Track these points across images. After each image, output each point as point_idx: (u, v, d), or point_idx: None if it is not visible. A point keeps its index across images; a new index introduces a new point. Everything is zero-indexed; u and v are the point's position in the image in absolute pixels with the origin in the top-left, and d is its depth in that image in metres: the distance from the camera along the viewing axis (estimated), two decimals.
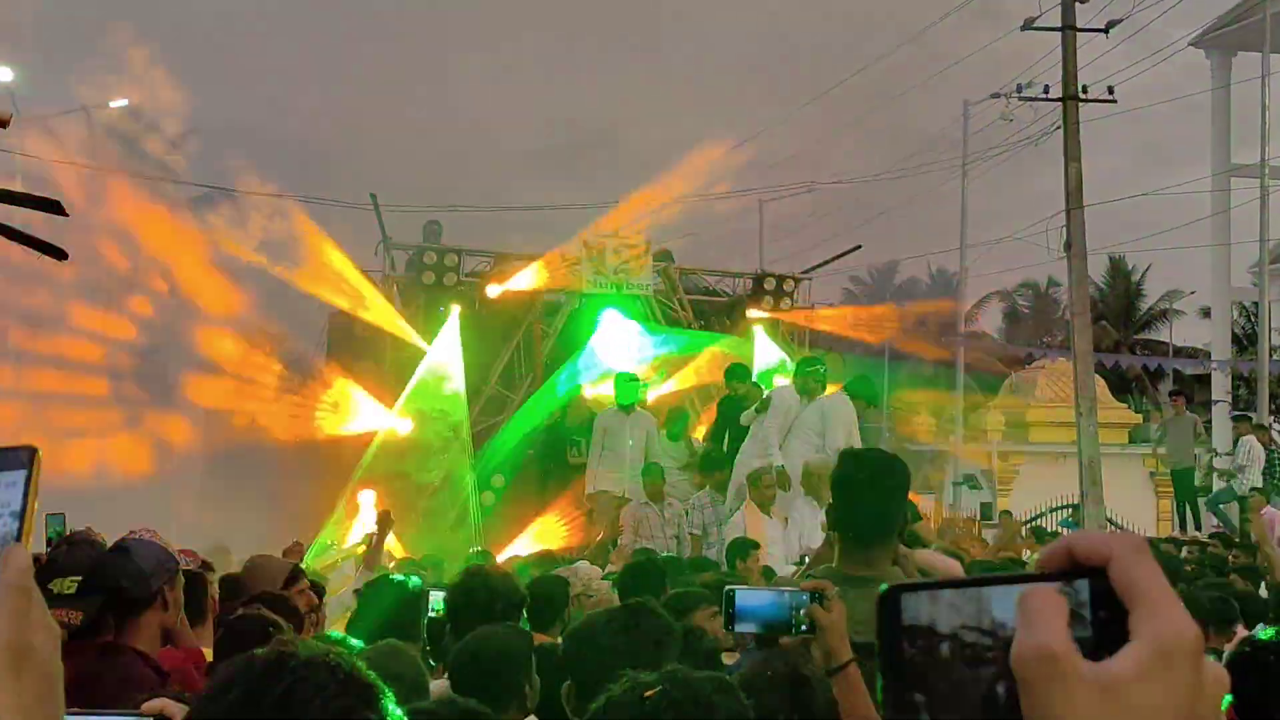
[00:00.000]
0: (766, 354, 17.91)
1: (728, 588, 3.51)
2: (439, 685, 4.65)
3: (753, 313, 18.50)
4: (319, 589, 8.13)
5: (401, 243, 18.25)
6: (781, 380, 15.73)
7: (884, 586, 1.02)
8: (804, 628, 3.43)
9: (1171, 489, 24.03)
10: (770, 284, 18.93)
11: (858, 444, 13.09)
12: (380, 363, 17.30)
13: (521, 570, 9.55)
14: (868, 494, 4.45)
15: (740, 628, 3.48)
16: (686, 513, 13.72)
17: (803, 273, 19.99)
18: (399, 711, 1.64)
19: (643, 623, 3.71)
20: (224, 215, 18.36)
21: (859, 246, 22.64)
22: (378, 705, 1.60)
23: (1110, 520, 21.36)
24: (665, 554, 11.72)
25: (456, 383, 16.55)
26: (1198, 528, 21.23)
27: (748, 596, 3.46)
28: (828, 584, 3.52)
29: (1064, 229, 22.09)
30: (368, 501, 15.26)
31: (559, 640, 6.14)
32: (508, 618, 5.30)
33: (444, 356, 16.62)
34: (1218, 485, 21.55)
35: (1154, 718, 0.91)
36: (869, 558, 4.37)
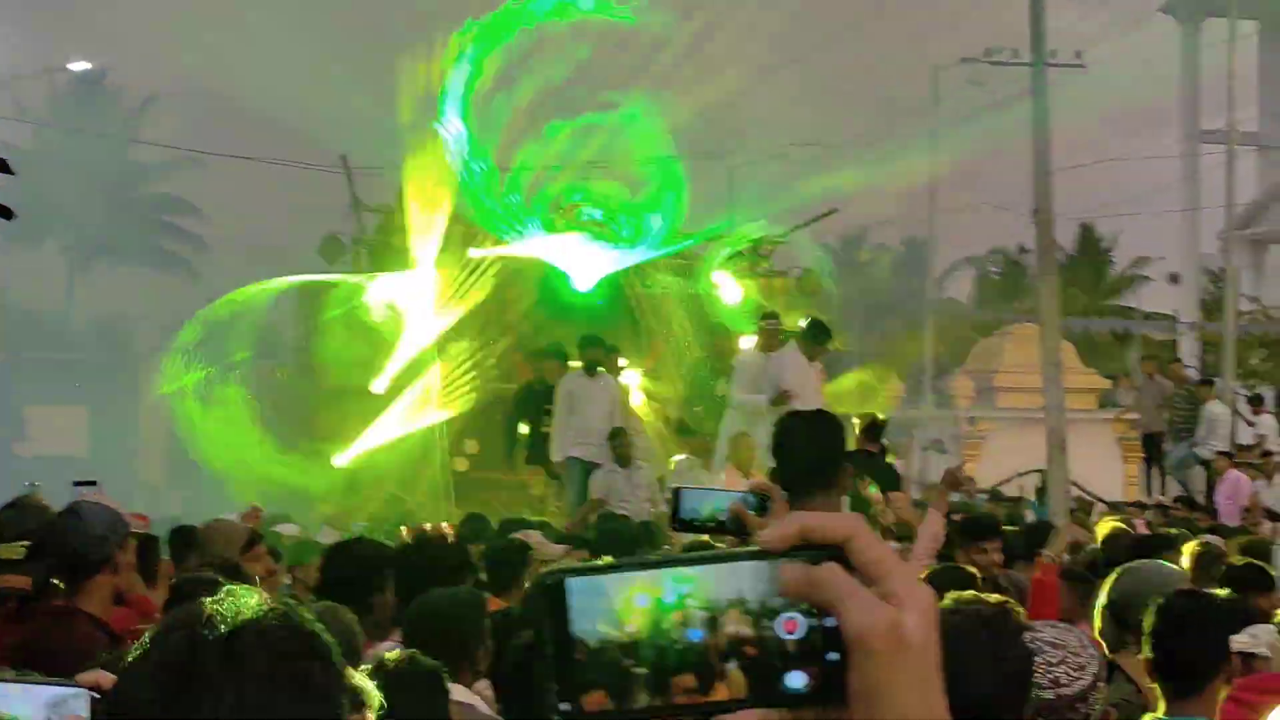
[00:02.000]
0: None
1: (673, 486, 3.55)
2: (386, 646, 4.64)
3: (722, 274, 18.40)
4: (277, 554, 8.12)
5: (372, 204, 18.11)
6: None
7: (544, 575, 0.99)
8: (743, 529, 3.43)
9: (1139, 453, 24.16)
10: (745, 245, 18.83)
11: (811, 392, 13.11)
12: (349, 327, 17.16)
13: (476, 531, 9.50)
14: (805, 450, 4.50)
15: (684, 523, 3.51)
16: (663, 478, 13.74)
17: (777, 236, 19.92)
18: (343, 661, 1.61)
19: None
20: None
21: (834, 210, 22.58)
22: (324, 654, 1.56)
23: (1076, 484, 21.41)
24: (642, 519, 11.67)
25: (416, 341, 16.44)
26: (1163, 491, 21.36)
27: (693, 496, 3.49)
28: (773, 486, 3.53)
29: (1033, 194, 22.10)
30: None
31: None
32: (458, 580, 5.29)
33: (404, 314, 16.53)
34: (1181, 451, 21.65)
35: (933, 670, 0.97)
36: (810, 510, 4.36)
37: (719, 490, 3.59)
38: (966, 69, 30.58)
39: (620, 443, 13.94)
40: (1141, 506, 16.92)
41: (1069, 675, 3.15)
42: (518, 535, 7.86)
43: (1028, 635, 3.18)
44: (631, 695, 0.97)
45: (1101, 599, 5.23)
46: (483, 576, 6.60)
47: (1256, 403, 21.29)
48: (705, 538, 4.55)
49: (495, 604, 5.54)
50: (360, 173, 18.51)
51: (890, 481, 11.70)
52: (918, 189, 34.03)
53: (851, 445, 11.69)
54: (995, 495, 20.45)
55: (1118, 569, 5.49)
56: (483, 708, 4.21)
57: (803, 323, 14.66)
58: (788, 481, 4.48)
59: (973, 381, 30.05)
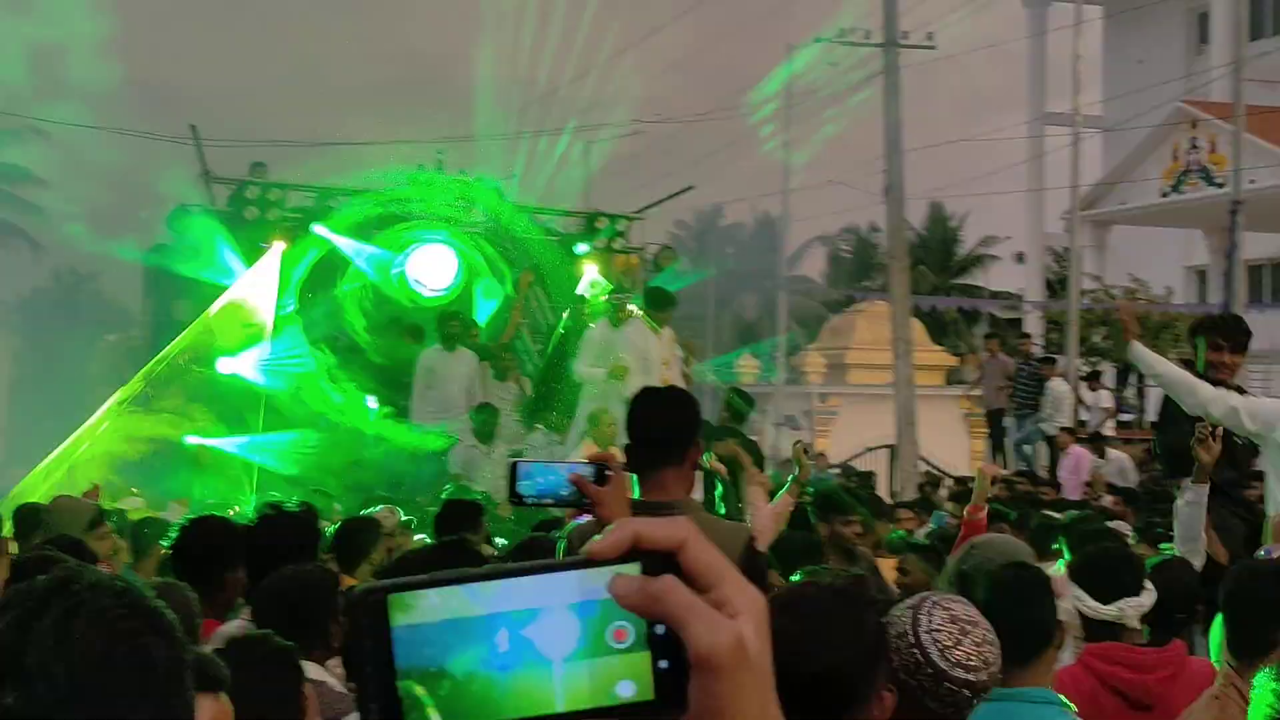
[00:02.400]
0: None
1: (511, 460, 3.55)
2: (235, 625, 4.57)
3: (582, 248, 18.37)
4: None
5: (224, 176, 17.78)
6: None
7: (363, 590, 0.97)
8: (583, 500, 3.47)
9: (984, 429, 24.64)
10: (603, 223, 18.82)
11: (657, 364, 13.17)
12: (200, 301, 16.82)
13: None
14: (655, 426, 4.55)
15: (521, 497, 3.50)
16: (522, 453, 13.70)
17: (634, 213, 19.92)
18: (185, 638, 1.57)
19: (460, 559, 3.67)
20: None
21: (691, 187, 22.66)
22: (165, 630, 1.52)
23: (925, 459, 21.79)
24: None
25: (262, 316, 16.16)
26: (1005, 465, 21.80)
27: (531, 469, 3.49)
28: (611, 456, 3.57)
29: (884, 174, 22.39)
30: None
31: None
32: (307, 557, 5.23)
33: (253, 289, 16.23)
34: (1026, 427, 22.10)
35: (768, 675, 0.98)
36: (662, 484, 4.46)
37: (556, 463, 3.59)
38: (820, 49, 30.79)
39: (486, 418, 13.88)
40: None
41: (993, 654, 3.17)
42: (369, 511, 7.82)
43: (950, 614, 3.22)
44: (458, 716, 0.95)
45: (949, 571, 5.32)
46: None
47: (1093, 379, 21.77)
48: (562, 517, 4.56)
49: (345, 581, 5.49)
50: (211, 144, 18.16)
51: (753, 457, 11.81)
52: (771, 167, 34.27)
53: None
54: (846, 470, 20.72)
55: (969, 542, 5.60)
56: (335, 685, 4.18)
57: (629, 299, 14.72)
58: (639, 457, 4.57)
59: (824, 358, 30.41)
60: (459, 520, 7.22)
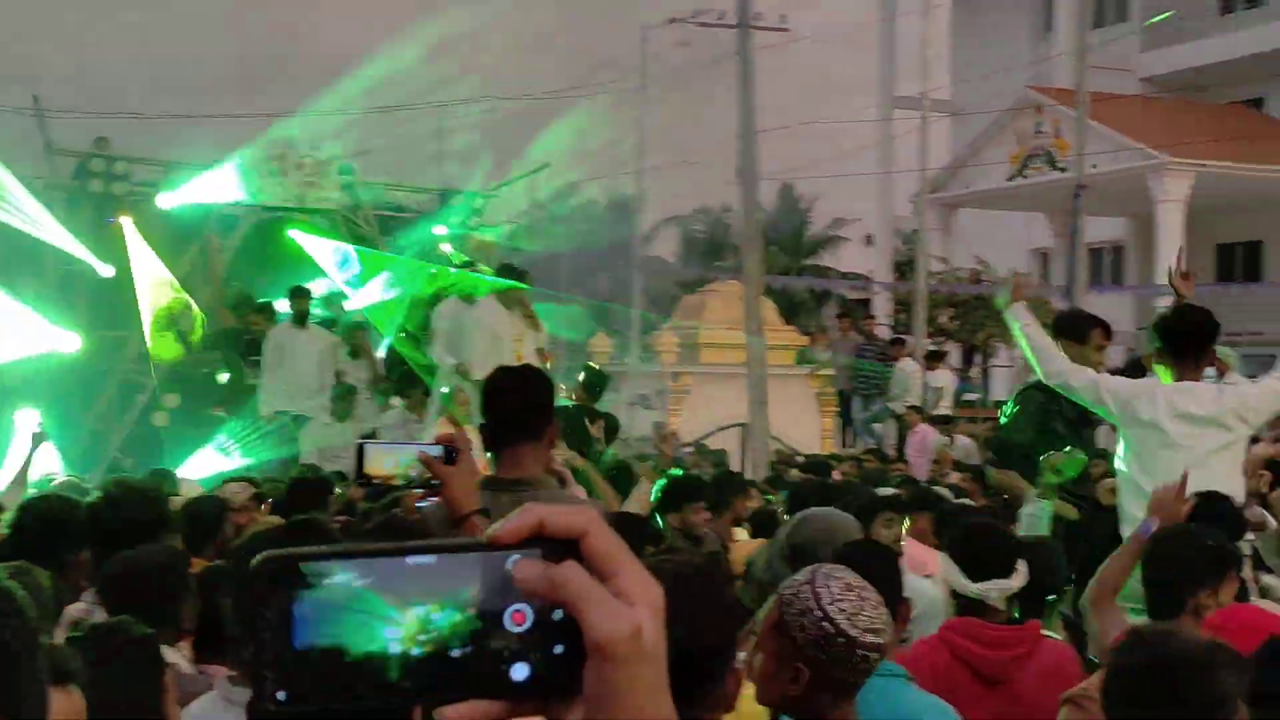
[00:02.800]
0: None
1: (357, 441, 3.56)
2: (80, 608, 4.48)
3: (439, 229, 18.24)
4: None
5: (68, 149, 17.37)
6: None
7: (265, 558, 0.96)
8: (431, 480, 3.51)
9: (834, 408, 24.95)
10: (458, 200, 18.70)
11: (506, 340, 13.16)
12: (42, 277, 16.42)
13: None
14: (510, 403, 4.58)
15: (368, 478, 3.56)
16: (377, 431, 13.59)
17: (492, 189, 19.83)
18: (37, 621, 1.53)
19: (309, 538, 3.63)
20: None
21: (547, 165, 22.61)
22: (17, 616, 1.49)
23: (776, 438, 22.00)
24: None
25: (134, 298, 15.87)
26: (855, 443, 22.12)
27: (379, 447, 3.51)
28: (459, 435, 3.60)
29: (737, 155, 22.52)
30: (28, 422, 14.58)
31: (216, 563, 6.01)
32: (155, 537, 5.14)
33: (120, 270, 15.93)
34: (874, 406, 22.42)
35: (662, 667, 0.98)
36: (518, 461, 4.52)
37: (402, 444, 3.59)
38: (675, 29, 30.90)
39: (343, 397, 13.75)
40: (837, 459, 17.47)
41: (886, 617, 3.20)
42: (219, 490, 7.70)
43: (844, 582, 3.24)
44: (355, 690, 0.95)
45: (779, 543, 5.34)
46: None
47: (935, 359, 22.15)
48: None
49: (195, 564, 5.40)
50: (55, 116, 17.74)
51: (611, 431, 11.87)
52: (625, 147, 34.31)
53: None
54: (699, 448, 20.86)
55: (796, 516, 5.70)
56: (185, 667, 4.11)
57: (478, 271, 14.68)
58: (495, 434, 4.61)
59: (677, 337, 30.51)
60: (308, 499, 7.15)
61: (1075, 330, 7.77)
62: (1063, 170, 33.46)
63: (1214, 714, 2.77)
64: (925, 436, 19.40)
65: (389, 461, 3.52)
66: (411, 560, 0.96)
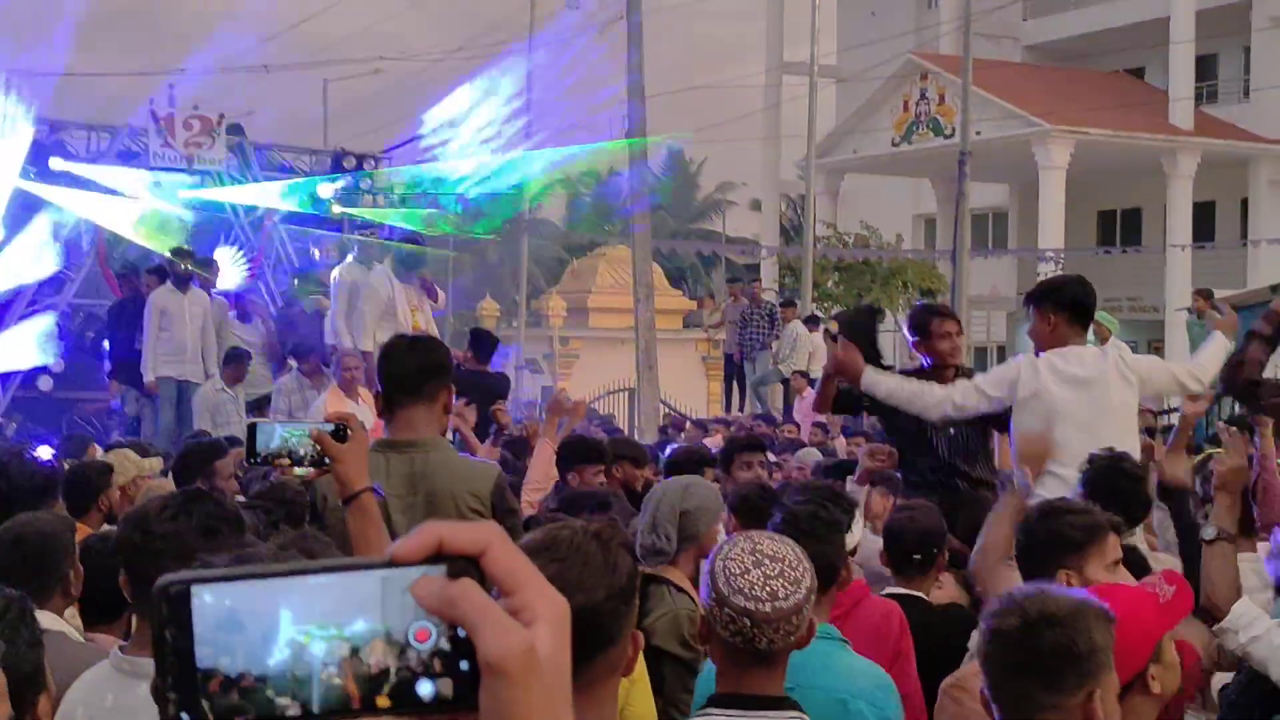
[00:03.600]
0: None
1: (249, 421, 3.59)
2: None
3: (326, 189, 18.01)
4: None
5: None
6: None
7: (167, 580, 0.96)
8: (322, 459, 3.56)
9: (721, 372, 25.10)
10: (350, 163, 18.47)
11: (402, 308, 13.13)
12: None
13: None
14: (403, 368, 4.67)
15: (261, 457, 3.58)
16: (269, 396, 13.50)
17: (383, 152, 19.63)
18: None
19: (197, 508, 3.61)
20: None
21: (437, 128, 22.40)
22: None
23: (665, 402, 22.11)
24: None
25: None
26: (741, 409, 22.25)
27: (270, 427, 3.52)
28: (351, 416, 3.65)
29: (625, 119, 22.50)
30: None
31: (102, 528, 5.94)
32: (42, 504, 5.07)
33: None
34: (762, 369, 22.55)
35: (563, 676, 1.00)
36: (410, 423, 4.63)
37: (294, 422, 3.62)
38: None
39: (234, 362, 13.64)
40: (725, 423, 17.56)
41: (785, 588, 3.18)
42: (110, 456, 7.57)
43: (748, 544, 3.25)
44: (260, 712, 0.95)
45: (670, 502, 5.37)
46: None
47: (812, 324, 22.28)
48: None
49: (79, 530, 5.33)
50: None
51: (499, 387, 11.83)
52: (515, 110, 34.10)
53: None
54: (588, 412, 20.89)
55: (679, 482, 5.77)
56: (74, 635, 4.07)
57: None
58: (389, 397, 4.69)
59: (565, 302, 30.59)
60: (198, 463, 7.08)
61: (917, 327, 7.73)
62: (947, 137, 33.85)
63: (1083, 668, 2.84)
64: (813, 400, 19.56)
65: (279, 440, 3.55)
66: (313, 580, 0.97)
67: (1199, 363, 6.87)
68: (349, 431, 3.54)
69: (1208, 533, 4.67)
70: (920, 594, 5.41)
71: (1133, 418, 6.74)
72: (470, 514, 4.55)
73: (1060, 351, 6.54)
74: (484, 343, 12.61)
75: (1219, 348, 6.80)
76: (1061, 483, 6.01)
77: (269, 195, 17.47)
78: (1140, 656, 3.28)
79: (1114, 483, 5.27)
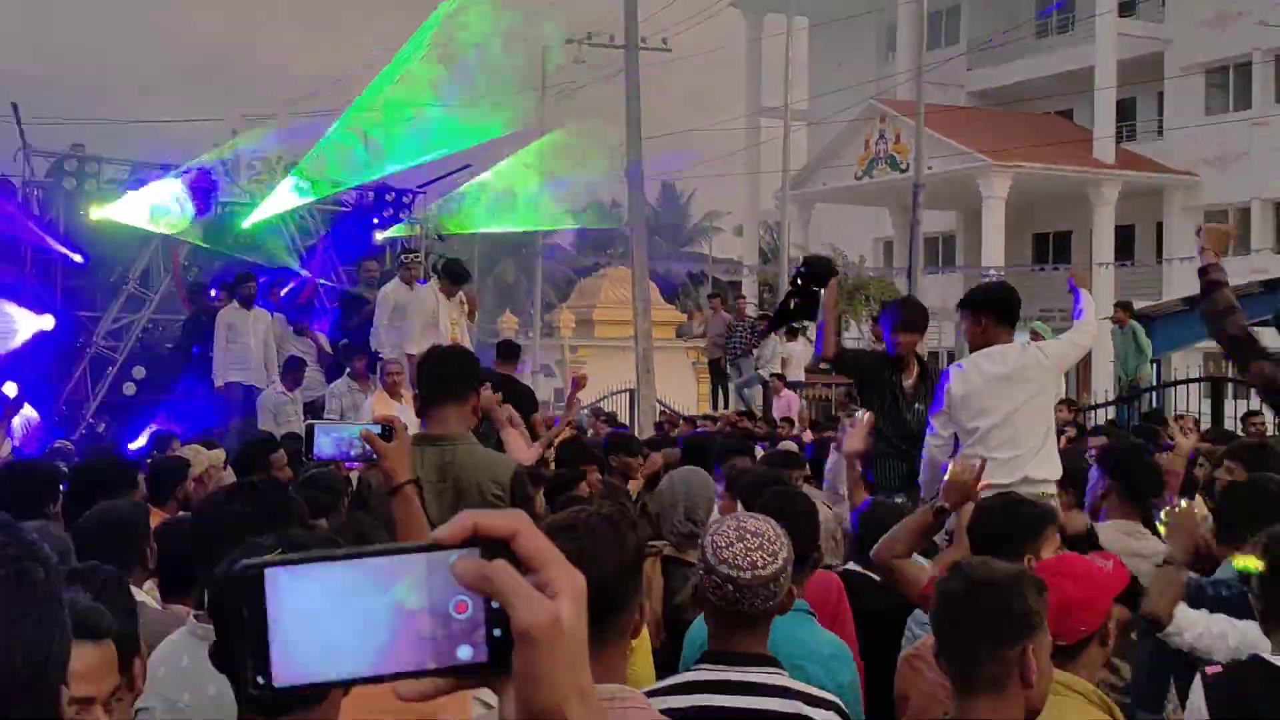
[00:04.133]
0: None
1: (307, 423, 3.61)
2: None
3: (375, 220, 17.94)
4: None
5: (43, 150, 16.88)
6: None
7: (243, 565, 0.98)
8: (370, 454, 3.58)
9: (709, 375, 25.11)
10: (390, 196, 18.41)
11: (445, 322, 13.10)
12: (20, 266, 15.91)
13: None
14: (438, 372, 4.76)
15: (318, 455, 3.59)
16: (328, 399, 13.54)
17: (418, 187, 19.55)
18: (57, 568, 1.53)
19: (256, 496, 3.63)
20: None
21: (468, 166, 22.37)
22: (44, 560, 1.49)
23: (661, 402, 22.09)
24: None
25: (104, 282, 15.57)
26: (726, 406, 22.27)
27: (326, 428, 3.54)
28: (396, 418, 3.69)
29: (625, 158, 22.52)
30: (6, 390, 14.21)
31: (179, 514, 5.95)
32: (122, 493, 5.08)
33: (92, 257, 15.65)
34: (745, 373, 22.56)
35: (582, 641, 1.01)
36: (443, 420, 4.69)
37: (348, 424, 3.65)
38: (572, 49, 30.80)
39: (293, 369, 13.77)
40: (712, 419, 17.58)
41: (764, 559, 3.22)
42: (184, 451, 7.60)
43: (734, 523, 3.30)
44: (323, 674, 0.98)
45: (682, 497, 5.41)
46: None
47: (791, 335, 22.30)
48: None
49: (157, 515, 5.34)
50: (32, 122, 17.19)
51: (528, 400, 11.77)
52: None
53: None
54: (596, 411, 20.90)
55: (671, 472, 5.86)
56: (153, 604, 4.08)
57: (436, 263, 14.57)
58: (425, 398, 4.75)
59: (574, 315, 30.59)
60: (253, 459, 7.08)
61: (893, 322, 7.78)
62: (903, 171, 33.86)
63: (1019, 626, 2.87)
64: (789, 399, 19.62)
65: (335, 439, 3.57)
66: (368, 561, 0.99)
67: (1084, 319, 6.78)
68: (393, 431, 3.59)
69: (1157, 559, 4.67)
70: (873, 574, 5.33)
71: (1049, 405, 6.66)
72: (492, 499, 4.59)
73: (987, 351, 6.47)
74: (510, 350, 12.65)
75: (1087, 302, 6.75)
76: (993, 465, 6.00)
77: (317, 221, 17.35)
78: (1099, 612, 3.37)
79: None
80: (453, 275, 13.53)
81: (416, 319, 13.25)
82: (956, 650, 2.95)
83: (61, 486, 5.55)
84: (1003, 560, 3.48)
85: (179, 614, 3.83)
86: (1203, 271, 5.58)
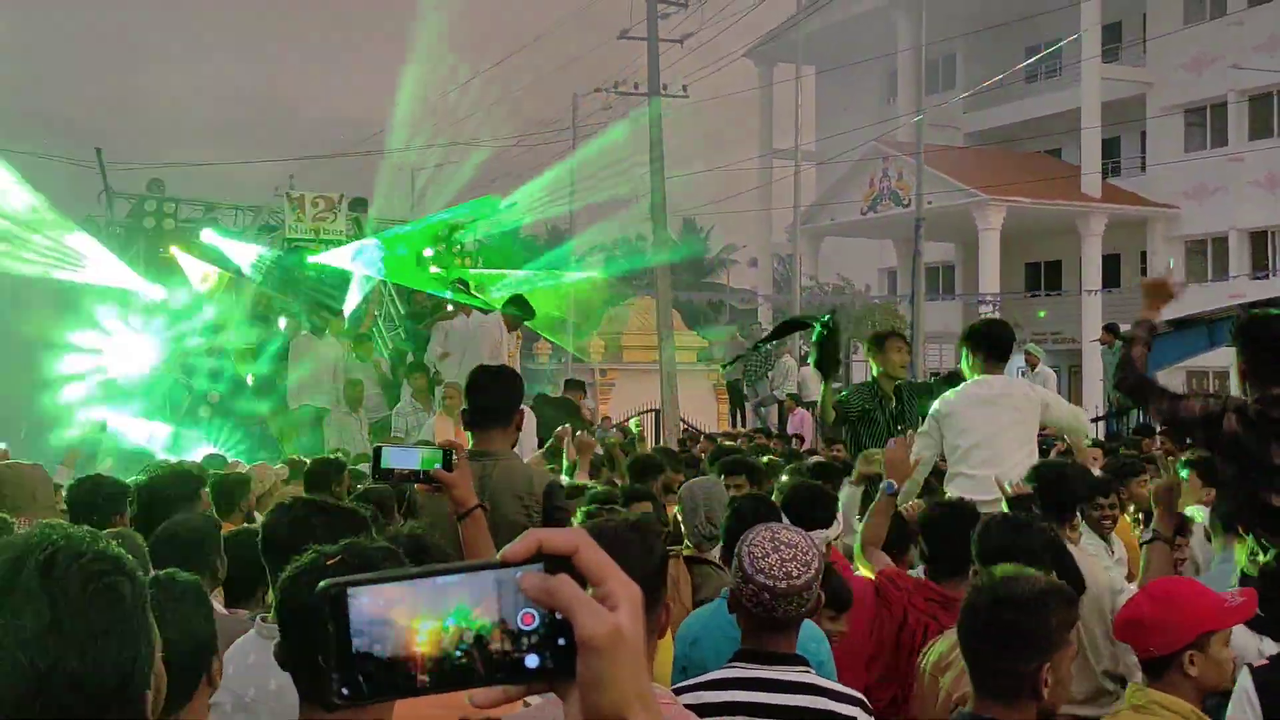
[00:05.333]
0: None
1: (375, 444, 3.60)
2: None
3: (429, 252, 17.94)
4: None
5: (123, 191, 17.00)
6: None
7: (327, 584, 0.98)
8: (430, 476, 3.54)
9: (728, 396, 25.09)
10: (444, 232, 18.40)
11: (503, 349, 13.18)
12: (127, 306, 15.86)
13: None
14: (485, 392, 4.74)
15: (386, 475, 3.55)
16: (390, 419, 13.68)
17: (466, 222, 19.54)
18: (144, 578, 1.54)
19: (326, 509, 3.64)
20: None
21: (514, 203, 22.39)
22: (130, 574, 1.50)
23: (684, 420, 22.08)
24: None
25: (183, 315, 15.64)
26: (744, 425, 22.23)
27: (393, 452, 3.51)
28: (459, 443, 3.66)
29: (650, 196, 22.57)
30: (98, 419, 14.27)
31: (242, 526, 5.97)
32: (189, 507, 5.10)
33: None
34: (762, 394, 22.55)
35: (640, 647, 1.00)
36: (489, 438, 4.70)
37: (411, 447, 3.63)
38: (599, 96, 30.88)
39: (354, 391, 13.89)
40: (732, 436, 17.55)
41: (798, 569, 3.22)
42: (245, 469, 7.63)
43: (768, 533, 3.29)
44: (404, 685, 0.98)
45: (708, 508, 5.45)
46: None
47: (803, 362, 22.29)
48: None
49: (225, 527, 5.36)
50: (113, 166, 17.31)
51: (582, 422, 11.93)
52: (562, 188, 34.23)
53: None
54: (623, 430, 20.90)
55: (690, 481, 5.92)
56: (222, 610, 4.10)
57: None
58: (473, 417, 4.73)
59: (604, 341, 30.51)
60: (324, 477, 7.10)
61: (876, 342, 7.97)
62: (905, 206, 33.81)
63: (1034, 644, 2.85)
64: (802, 418, 19.58)
65: (400, 459, 3.53)
66: (441, 579, 0.99)
67: (1084, 422, 7.18)
68: (455, 458, 3.53)
69: (1146, 535, 4.63)
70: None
71: (1030, 432, 6.64)
72: (527, 509, 4.59)
73: (977, 380, 6.63)
74: (577, 385, 12.86)
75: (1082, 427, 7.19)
76: (971, 482, 6.04)
77: (373, 258, 17.31)
78: (1175, 637, 3.25)
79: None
80: (520, 311, 13.50)
81: (486, 345, 13.27)
82: (974, 658, 2.96)
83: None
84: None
85: (242, 618, 3.85)
86: (1137, 324, 5.48)
